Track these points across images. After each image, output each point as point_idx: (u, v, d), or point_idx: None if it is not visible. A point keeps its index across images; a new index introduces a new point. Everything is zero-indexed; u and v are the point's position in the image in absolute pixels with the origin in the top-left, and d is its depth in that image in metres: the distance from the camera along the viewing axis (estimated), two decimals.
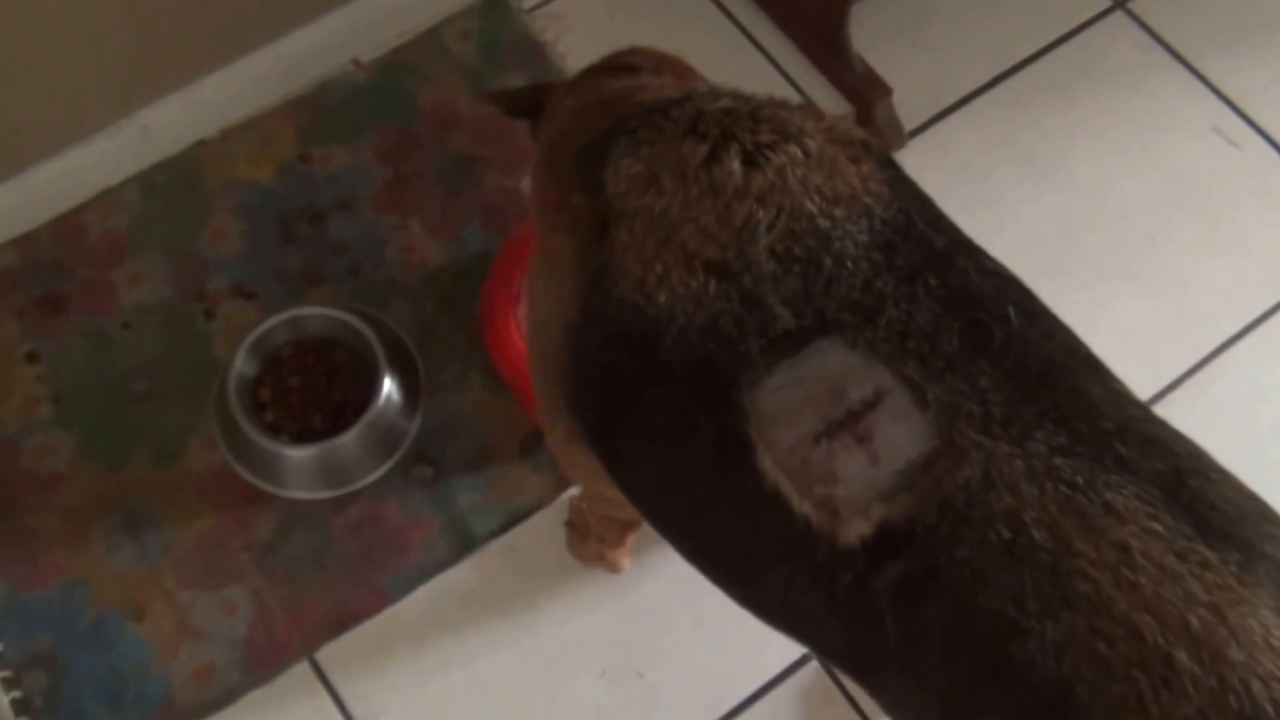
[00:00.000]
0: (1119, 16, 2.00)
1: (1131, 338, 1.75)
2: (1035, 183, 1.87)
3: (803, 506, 0.87)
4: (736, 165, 0.96)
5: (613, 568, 1.56)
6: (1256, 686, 0.76)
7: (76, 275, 1.76)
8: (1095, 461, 0.83)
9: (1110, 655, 0.78)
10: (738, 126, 0.99)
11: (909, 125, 1.88)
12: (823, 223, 0.94)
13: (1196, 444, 0.89)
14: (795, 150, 0.97)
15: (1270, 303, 1.81)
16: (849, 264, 0.92)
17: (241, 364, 1.61)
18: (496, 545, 1.62)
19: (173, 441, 1.66)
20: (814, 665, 1.58)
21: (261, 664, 1.55)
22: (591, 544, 1.54)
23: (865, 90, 1.83)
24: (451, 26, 1.96)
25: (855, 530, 0.86)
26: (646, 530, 1.60)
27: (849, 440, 0.87)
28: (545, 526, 1.63)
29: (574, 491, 1.61)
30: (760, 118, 1.00)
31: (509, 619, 1.58)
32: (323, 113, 1.89)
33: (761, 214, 0.94)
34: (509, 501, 1.64)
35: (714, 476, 0.93)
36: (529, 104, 1.33)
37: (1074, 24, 1.99)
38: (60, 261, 1.77)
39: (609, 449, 1.04)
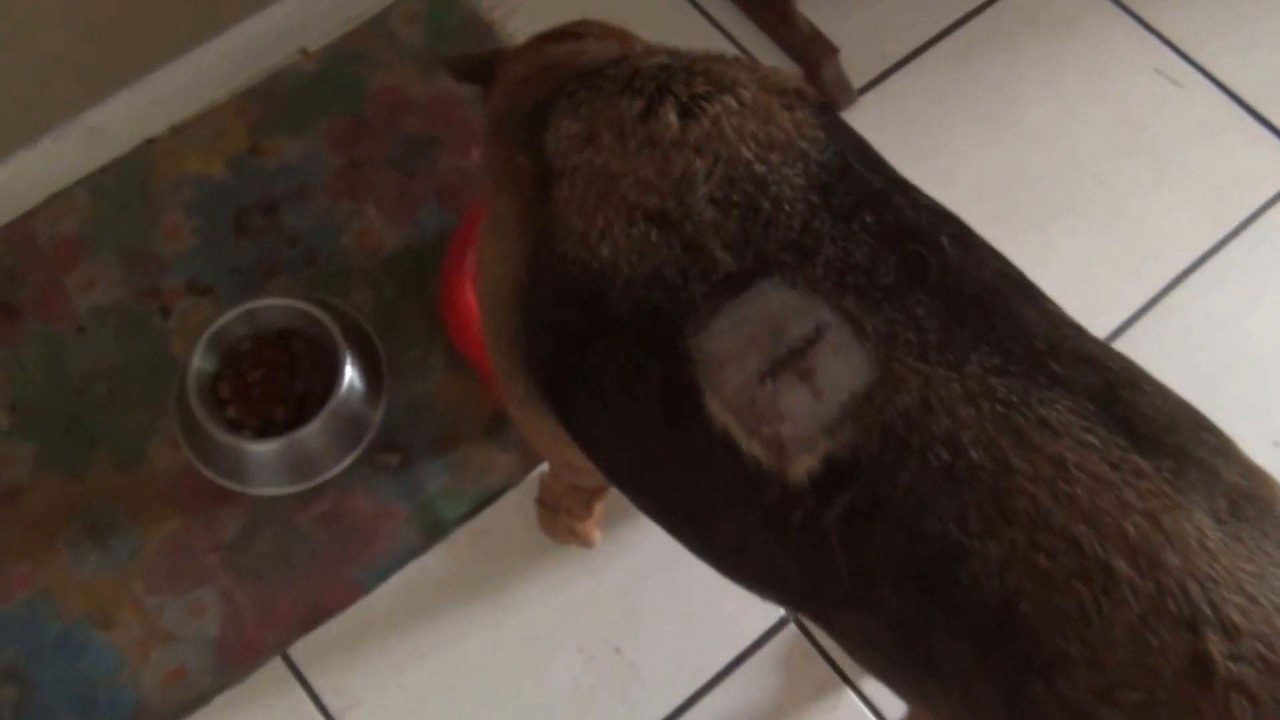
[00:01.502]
0: None
1: (1086, 276, 1.77)
2: (984, 131, 1.87)
3: (751, 447, 0.88)
4: (673, 117, 0.97)
5: (584, 542, 1.55)
6: (1193, 589, 0.78)
7: (29, 282, 1.74)
8: (1029, 379, 0.85)
9: (1051, 568, 0.80)
10: (673, 80, 1.00)
11: (857, 83, 1.88)
12: (759, 168, 0.95)
13: (1129, 359, 0.91)
14: (730, 100, 0.98)
15: (1221, 233, 1.83)
16: (786, 206, 0.93)
17: (199, 360, 1.60)
18: (467, 529, 1.62)
19: (134, 444, 1.65)
20: (791, 629, 1.58)
21: (234, 664, 1.54)
22: (562, 519, 1.54)
23: (812, 50, 1.83)
24: (398, 11, 1.94)
25: (803, 466, 0.87)
26: (616, 506, 1.60)
27: (792, 377, 0.88)
28: (516, 506, 1.62)
29: (543, 468, 1.61)
30: (695, 71, 1.01)
31: (483, 602, 1.58)
32: (272, 104, 1.87)
33: (699, 163, 0.95)
34: (478, 483, 1.63)
35: (665, 424, 0.94)
36: (482, 70, 1.32)
37: None
38: (11, 269, 1.75)
39: (564, 405, 1.04)
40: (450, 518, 1.61)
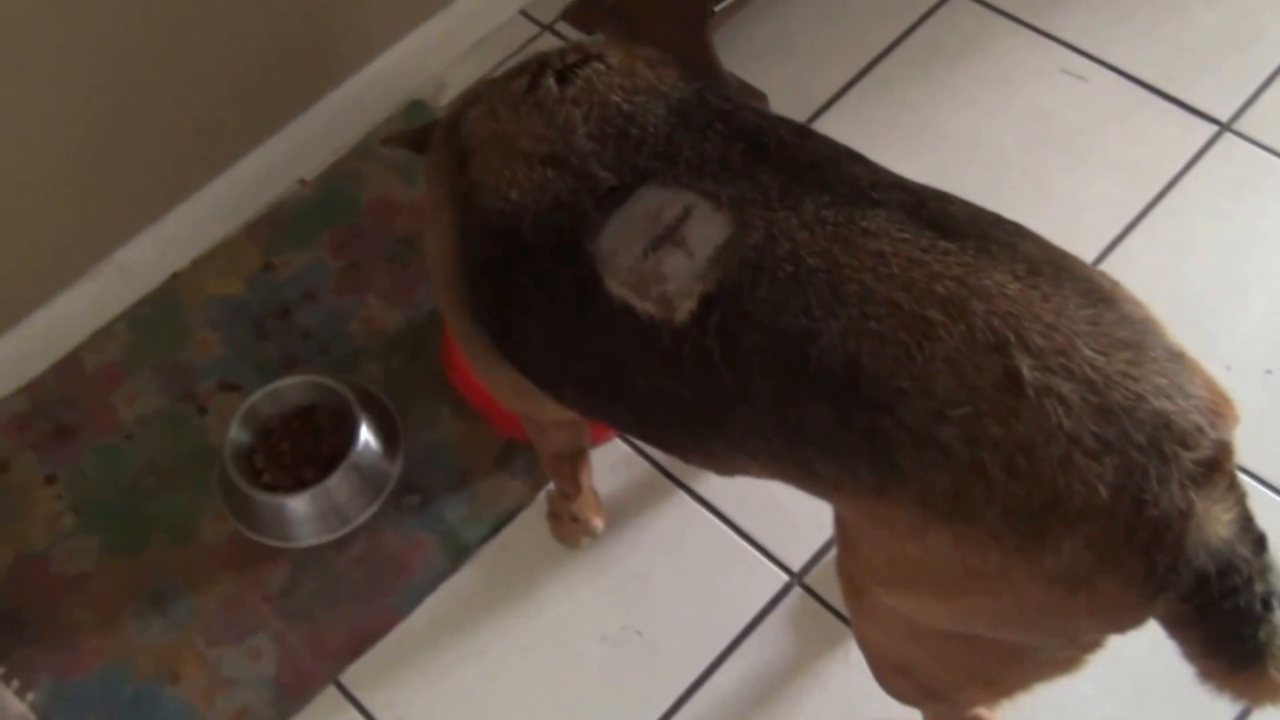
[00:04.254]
0: (957, 0, 2.24)
1: None
2: (910, 147, 2.07)
3: (645, 306, 1.08)
4: (552, 83, 1.19)
5: (589, 529, 1.70)
6: (996, 322, 0.95)
7: (81, 405, 1.96)
8: (853, 206, 1.04)
9: (880, 328, 0.98)
10: (550, 58, 1.23)
11: None
12: (627, 107, 1.16)
13: (941, 190, 1.09)
14: (599, 65, 1.20)
15: (1145, 201, 2.00)
16: (651, 129, 1.14)
17: (235, 432, 1.80)
18: (489, 548, 1.77)
19: (186, 523, 1.83)
20: (797, 592, 1.69)
21: (292, 696, 1.67)
22: (567, 520, 1.69)
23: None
24: (379, 133, 2.20)
25: (685, 309, 1.06)
26: (619, 510, 1.75)
27: (670, 248, 1.07)
28: (530, 522, 1.78)
29: (550, 487, 1.76)
30: (568, 49, 1.24)
31: (510, 609, 1.71)
32: (280, 228, 2.11)
33: (577, 112, 1.17)
34: (493, 508, 1.79)
35: (580, 314, 1.13)
36: (421, 137, 1.54)
37: (920, 13, 2.23)
38: (65, 396, 1.97)
39: (509, 340, 1.22)
40: (472, 540, 1.76)
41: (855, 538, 1.13)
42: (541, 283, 1.15)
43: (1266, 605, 0.94)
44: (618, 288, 1.08)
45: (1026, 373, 0.92)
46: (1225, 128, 2.07)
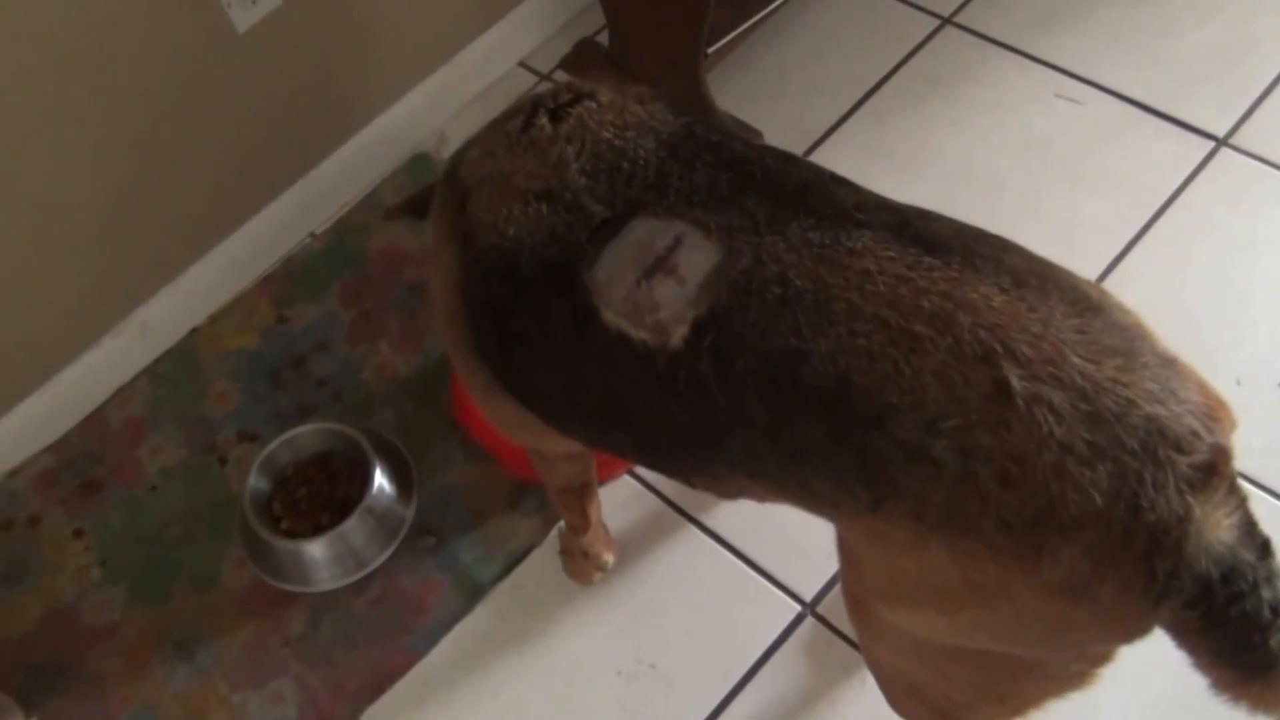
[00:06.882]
0: (949, 31, 2.27)
1: None
2: (907, 176, 2.10)
3: (640, 334, 1.10)
4: (545, 122, 1.22)
5: (599, 564, 1.72)
6: (983, 334, 0.96)
7: (106, 460, 2.01)
8: (839, 227, 1.06)
9: (869, 345, 0.99)
10: (543, 98, 1.26)
11: None
12: (618, 142, 1.19)
13: (924, 208, 1.10)
14: (590, 103, 1.24)
15: (1144, 219, 2.01)
16: (641, 163, 1.17)
17: (254, 480, 1.84)
18: (503, 587, 1.79)
19: (208, 571, 1.87)
20: (810, 622, 1.71)
21: None
22: (578, 556, 1.71)
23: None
24: (385, 186, 2.25)
25: (678, 335, 1.08)
26: (631, 543, 1.77)
27: (662, 276, 1.09)
28: (542, 560, 1.80)
29: (560, 524, 1.79)
30: (560, 89, 1.27)
31: (525, 646, 1.74)
32: (292, 281, 2.16)
33: (570, 149, 1.20)
34: (505, 547, 1.82)
35: (577, 345, 1.15)
36: (425, 200, 1.58)
37: (911, 46, 2.26)
38: (91, 453, 2.02)
39: (510, 373, 1.25)
40: (486, 580, 1.79)
41: (856, 556, 1.14)
42: (540, 315, 1.18)
43: (1275, 611, 0.94)
44: (613, 317, 1.11)
45: (1015, 382, 0.93)
46: (1222, 143, 2.09)
